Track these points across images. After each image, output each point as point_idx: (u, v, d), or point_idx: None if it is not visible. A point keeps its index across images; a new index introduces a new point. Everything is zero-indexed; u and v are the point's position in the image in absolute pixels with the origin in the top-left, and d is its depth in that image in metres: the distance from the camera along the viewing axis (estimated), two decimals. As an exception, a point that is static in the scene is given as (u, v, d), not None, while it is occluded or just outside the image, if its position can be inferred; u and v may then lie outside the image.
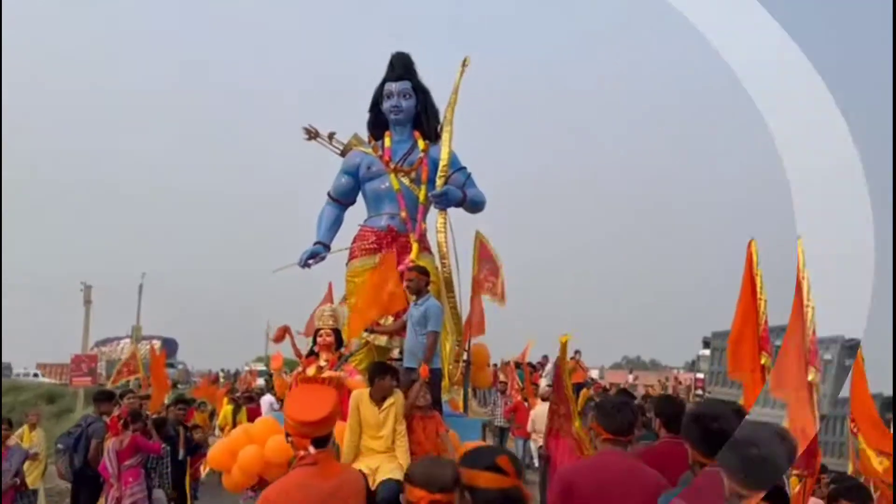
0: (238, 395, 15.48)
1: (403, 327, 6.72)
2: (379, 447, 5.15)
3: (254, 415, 11.82)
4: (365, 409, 5.18)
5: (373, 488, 4.95)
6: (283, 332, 6.25)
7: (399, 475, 4.96)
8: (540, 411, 11.65)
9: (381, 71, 7.88)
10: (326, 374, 5.75)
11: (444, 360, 7.00)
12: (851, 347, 21.54)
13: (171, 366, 33.36)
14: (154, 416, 9.55)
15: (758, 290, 4.95)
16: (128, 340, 31.66)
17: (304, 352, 6.22)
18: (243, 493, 5.33)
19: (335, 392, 2.29)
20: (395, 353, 7.19)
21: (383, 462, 5.06)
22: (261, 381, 28.18)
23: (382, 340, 7.01)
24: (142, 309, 33.69)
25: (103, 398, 9.21)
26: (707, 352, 29.89)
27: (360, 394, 5.23)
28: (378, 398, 5.22)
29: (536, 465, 14.05)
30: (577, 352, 22.68)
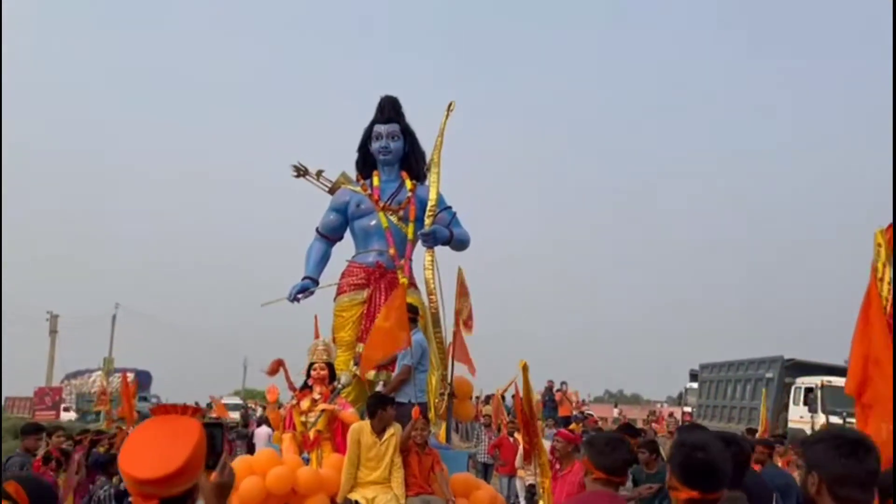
0: None
1: (392, 362, 6.99)
2: (377, 478, 5.34)
3: None
4: (366, 440, 5.37)
5: None
6: (278, 365, 6.44)
7: None
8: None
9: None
10: (321, 406, 5.93)
11: (431, 393, 7.22)
12: (791, 367, 21.40)
13: (145, 399, 32.86)
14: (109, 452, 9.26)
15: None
16: (100, 373, 31.21)
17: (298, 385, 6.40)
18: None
19: (197, 428, 1.92)
20: (380, 387, 7.42)
21: (379, 493, 5.26)
22: (235, 415, 27.96)
23: (371, 374, 7.22)
24: (115, 340, 33.33)
25: (30, 431, 8.03)
26: (695, 385, 29.33)
27: (361, 426, 5.43)
28: (379, 429, 5.42)
29: None
30: (563, 383, 21.26)
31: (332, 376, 6.38)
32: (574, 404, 21.90)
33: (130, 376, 32.54)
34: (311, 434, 5.89)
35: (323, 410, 5.94)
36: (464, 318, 8.75)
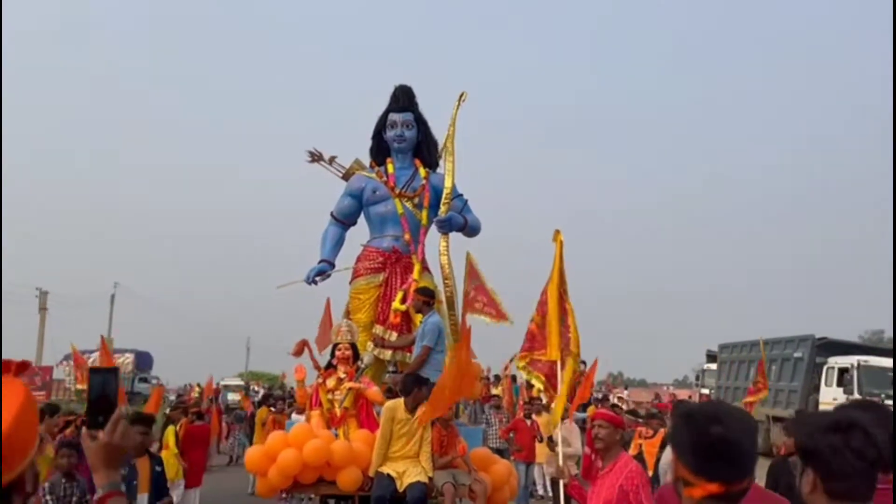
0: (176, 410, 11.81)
1: (410, 343, 7.31)
2: (407, 452, 5.69)
3: (193, 432, 10.73)
4: (400, 416, 5.70)
5: (401, 490, 5.49)
6: (302, 346, 6.75)
7: (425, 478, 5.51)
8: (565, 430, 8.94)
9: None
10: (348, 384, 6.25)
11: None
12: (822, 346, 20.50)
13: (145, 380, 33.10)
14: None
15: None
16: (98, 353, 31.38)
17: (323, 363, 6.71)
18: (276, 496, 5.78)
19: (17, 393, 1.37)
20: (390, 368, 7.74)
21: (409, 466, 5.60)
22: (234, 396, 28.21)
23: (387, 355, 7.54)
24: (115, 321, 33.42)
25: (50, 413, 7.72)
26: (713, 366, 28.15)
27: (396, 404, 5.75)
28: (412, 407, 5.75)
29: (545, 493, 12.22)
30: (582, 362, 20.96)
31: (356, 356, 6.69)
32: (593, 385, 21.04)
33: (130, 357, 32.85)
34: (339, 411, 6.20)
35: (350, 389, 6.24)
36: (482, 305, 9.02)
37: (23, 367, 1.51)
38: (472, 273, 9.44)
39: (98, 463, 1.62)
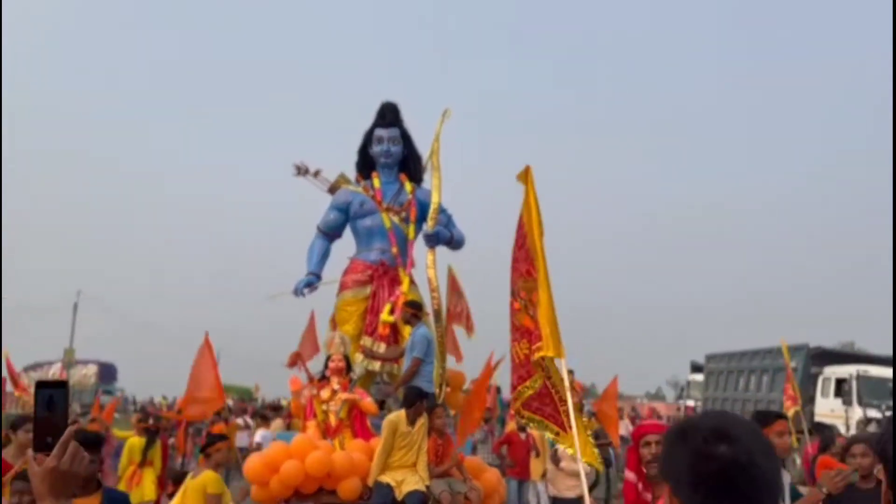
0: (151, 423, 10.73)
1: (399, 355, 7.48)
2: (406, 462, 5.84)
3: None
4: (402, 429, 5.85)
5: (399, 498, 5.65)
6: (297, 358, 6.88)
7: (423, 486, 5.68)
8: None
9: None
10: (342, 395, 6.38)
11: (435, 384, 7.71)
12: (817, 355, 19.37)
13: (109, 392, 32.49)
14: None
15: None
16: (59, 364, 30.80)
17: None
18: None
19: None
20: (378, 379, 7.89)
21: (407, 475, 5.76)
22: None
23: (376, 366, 7.69)
24: (77, 331, 32.72)
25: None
26: (698, 377, 27.02)
27: (399, 416, 5.91)
28: (413, 419, 5.91)
29: None
30: (570, 371, 19.56)
31: (349, 367, 6.83)
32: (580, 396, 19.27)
33: (93, 368, 32.27)
34: (334, 422, 6.33)
35: (345, 400, 6.39)
36: (461, 319, 9.24)
37: None
38: (453, 286, 9.69)
39: (44, 491, 1.40)
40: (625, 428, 15.87)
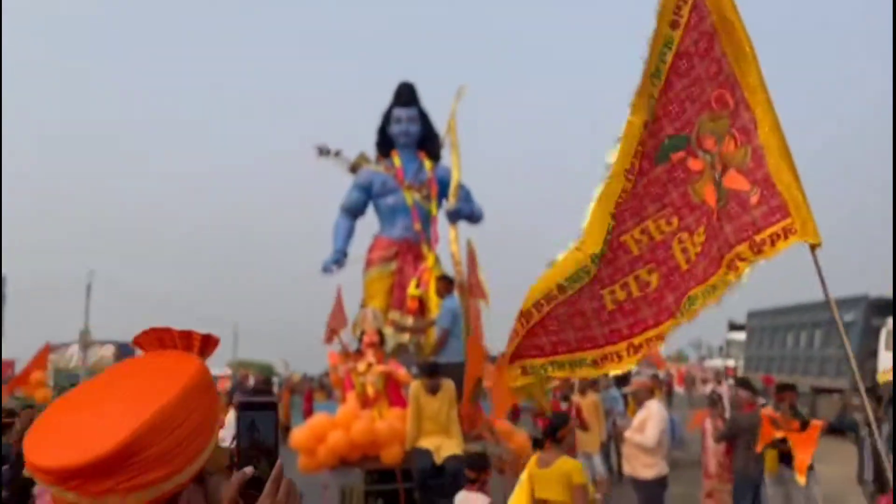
0: None
1: (427, 326, 7.85)
2: (437, 429, 6.21)
3: None
4: (422, 398, 6.28)
5: (438, 462, 6.04)
6: (333, 334, 7.23)
7: (460, 451, 6.06)
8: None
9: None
10: (378, 368, 6.75)
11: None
12: (878, 306, 17.03)
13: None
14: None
15: None
16: (77, 346, 31.21)
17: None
18: (323, 475, 6.31)
19: (189, 371, 1.14)
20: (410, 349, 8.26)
21: (443, 441, 6.16)
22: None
23: (405, 338, 8.06)
24: (92, 311, 32.85)
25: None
26: (738, 336, 25.65)
27: (417, 387, 6.35)
28: (431, 389, 6.28)
29: None
30: None
31: (382, 341, 7.19)
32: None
33: (111, 349, 32.62)
34: (371, 393, 6.70)
35: (381, 372, 6.76)
36: (479, 290, 9.58)
37: (207, 343, 1.25)
38: (472, 259, 10.01)
39: None
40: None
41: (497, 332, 9.82)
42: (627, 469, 6.79)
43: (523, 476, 4.40)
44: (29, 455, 1.06)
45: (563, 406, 8.86)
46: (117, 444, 1.02)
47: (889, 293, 16.92)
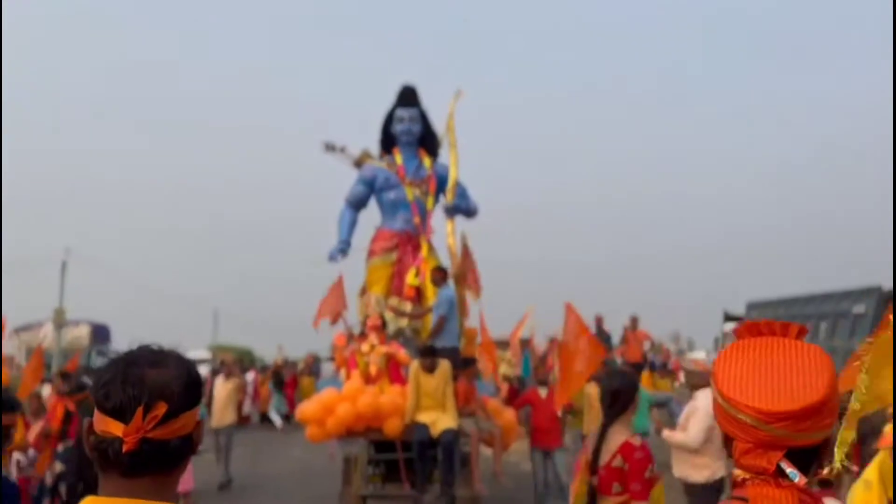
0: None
1: (424, 313, 8.48)
2: (433, 405, 6.86)
3: None
4: (420, 377, 6.95)
5: (435, 436, 6.67)
6: (338, 317, 7.84)
7: (454, 425, 6.70)
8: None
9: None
10: (381, 349, 7.36)
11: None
12: (890, 299, 17.89)
13: (102, 354, 32.66)
14: None
15: None
16: (50, 325, 31.15)
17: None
18: (330, 443, 6.93)
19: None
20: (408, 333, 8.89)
21: (439, 415, 6.81)
22: (203, 370, 28.43)
23: (403, 323, 8.68)
24: (66, 290, 32.52)
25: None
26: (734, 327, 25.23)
27: (417, 366, 7.02)
28: (428, 368, 6.93)
29: None
30: (633, 318, 15.80)
31: (384, 325, 7.80)
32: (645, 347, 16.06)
33: (86, 329, 32.53)
34: (374, 371, 7.32)
35: (384, 353, 7.38)
36: (471, 282, 10.22)
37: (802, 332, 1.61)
38: (465, 252, 10.68)
39: None
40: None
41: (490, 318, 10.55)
42: (676, 471, 5.77)
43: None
44: (754, 402, 1.44)
45: (543, 394, 7.93)
46: (821, 397, 1.43)
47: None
